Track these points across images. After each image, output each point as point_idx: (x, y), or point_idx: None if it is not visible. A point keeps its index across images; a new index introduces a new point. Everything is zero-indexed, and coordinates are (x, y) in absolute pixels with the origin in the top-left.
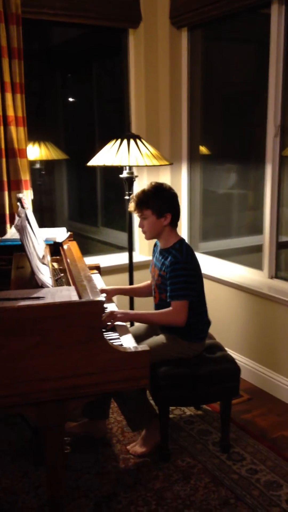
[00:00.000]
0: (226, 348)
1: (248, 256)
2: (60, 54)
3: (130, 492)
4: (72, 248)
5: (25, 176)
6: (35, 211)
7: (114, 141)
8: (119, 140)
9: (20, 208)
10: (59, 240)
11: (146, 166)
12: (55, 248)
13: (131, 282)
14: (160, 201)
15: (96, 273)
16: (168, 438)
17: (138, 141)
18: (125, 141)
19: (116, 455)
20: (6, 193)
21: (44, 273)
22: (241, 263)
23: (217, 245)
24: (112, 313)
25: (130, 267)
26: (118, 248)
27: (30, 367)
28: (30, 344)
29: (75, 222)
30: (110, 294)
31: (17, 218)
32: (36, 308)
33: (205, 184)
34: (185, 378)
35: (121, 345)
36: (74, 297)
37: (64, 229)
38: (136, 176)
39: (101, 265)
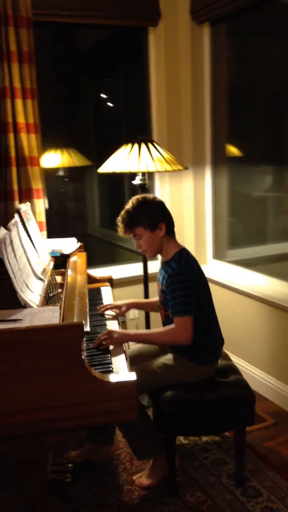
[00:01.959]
0: (251, 367)
1: (280, 264)
2: (87, 58)
3: None
4: (79, 260)
5: (37, 185)
6: (61, 219)
7: (125, 145)
8: (130, 145)
9: (13, 220)
10: (66, 252)
11: (157, 171)
12: (64, 260)
13: (146, 295)
14: (149, 214)
15: (107, 285)
16: (175, 470)
17: (150, 145)
18: (136, 145)
19: (120, 485)
20: (16, 203)
21: (34, 291)
22: (272, 272)
23: (247, 252)
24: (109, 332)
25: (145, 279)
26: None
27: (0, 397)
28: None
29: (107, 229)
30: (124, 309)
31: (2, 231)
32: (3, 333)
33: (235, 187)
34: (191, 404)
35: (111, 369)
36: (54, 319)
37: (74, 239)
38: (147, 183)
39: (115, 277)
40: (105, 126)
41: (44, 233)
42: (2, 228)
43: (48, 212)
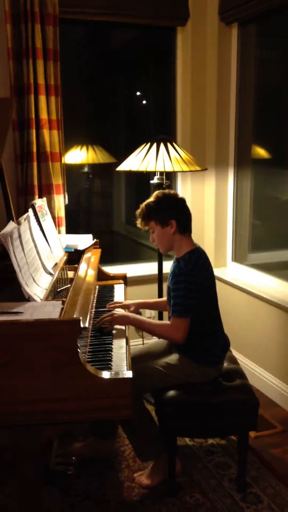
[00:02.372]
0: (265, 373)
1: None
2: (117, 57)
3: None
4: (92, 257)
5: (57, 181)
6: (85, 215)
7: (144, 145)
8: (148, 144)
9: (25, 215)
10: (80, 247)
11: (174, 171)
12: (79, 256)
13: (159, 294)
14: (162, 209)
15: (121, 283)
16: (175, 471)
17: (169, 145)
18: (154, 145)
19: (121, 482)
20: (36, 198)
21: (41, 285)
22: None
23: (270, 256)
24: (112, 313)
25: (160, 278)
26: (170, 257)
27: None
28: None
29: (132, 227)
30: (132, 309)
31: (10, 225)
32: (2, 325)
33: (261, 189)
34: (193, 406)
35: (110, 366)
36: (54, 314)
37: (90, 236)
38: (167, 182)
39: (132, 274)
40: (132, 124)
41: (63, 228)
42: (12, 223)
43: (72, 208)
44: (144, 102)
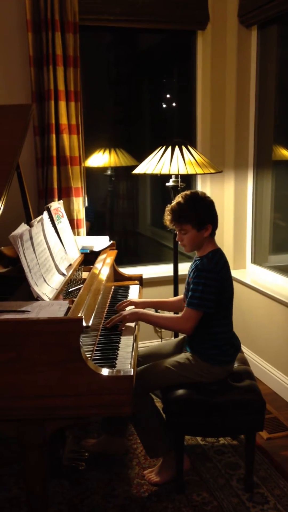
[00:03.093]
0: (283, 376)
1: None
2: (140, 62)
3: None
4: (108, 257)
5: (77, 184)
6: (110, 217)
7: (159, 148)
8: (164, 147)
9: (39, 217)
10: (96, 249)
11: (187, 174)
12: (96, 257)
13: (175, 295)
14: (199, 213)
15: (137, 284)
16: (182, 468)
17: (184, 148)
18: (170, 148)
19: (130, 478)
20: (56, 200)
21: (51, 285)
22: None
23: None
24: (121, 314)
25: (175, 279)
26: (186, 259)
27: (4, 383)
28: (3, 359)
29: (157, 229)
30: (139, 306)
31: (22, 227)
32: (8, 323)
33: (283, 191)
34: (199, 405)
35: (115, 364)
36: (59, 313)
37: (106, 237)
38: (183, 185)
39: (147, 276)
40: (155, 126)
41: (82, 230)
42: (23, 225)
43: (97, 210)
44: (165, 105)
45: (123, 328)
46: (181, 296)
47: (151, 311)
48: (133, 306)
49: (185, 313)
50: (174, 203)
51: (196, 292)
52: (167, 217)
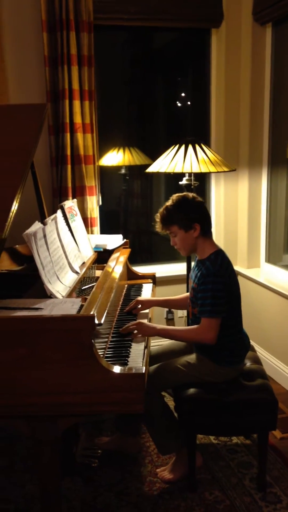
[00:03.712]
0: None
1: None
2: (155, 60)
3: None
4: (121, 256)
5: (90, 182)
6: (124, 216)
7: (172, 146)
8: (177, 146)
9: (52, 216)
10: (110, 247)
11: (200, 172)
12: (109, 256)
13: None
14: (185, 213)
15: (150, 282)
16: (194, 467)
17: (197, 146)
18: (183, 146)
19: (143, 476)
20: (70, 199)
21: (65, 283)
22: None
23: None
24: (139, 323)
25: (188, 278)
26: None
27: (17, 379)
28: (16, 356)
29: None
30: (145, 305)
31: (36, 225)
32: (21, 320)
33: None
34: (211, 404)
35: (127, 362)
36: (72, 310)
37: (120, 236)
38: (196, 184)
39: (160, 274)
40: (170, 125)
41: (96, 228)
42: (37, 223)
43: (111, 209)
44: (179, 103)
45: (135, 335)
46: (186, 294)
47: (167, 326)
48: (140, 306)
49: (203, 324)
50: (162, 208)
51: (207, 300)
52: (157, 224)
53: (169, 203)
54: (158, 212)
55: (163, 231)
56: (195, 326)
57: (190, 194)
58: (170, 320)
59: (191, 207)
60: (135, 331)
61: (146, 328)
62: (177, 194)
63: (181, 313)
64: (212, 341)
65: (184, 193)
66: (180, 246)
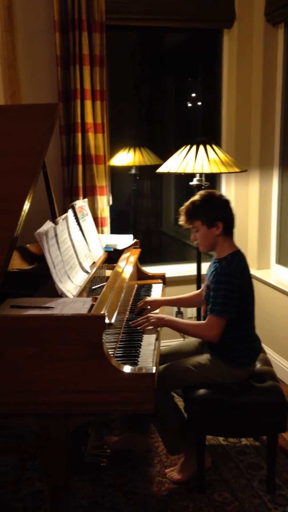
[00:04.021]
0: None
1: None
2: (167, 60)
3: None
4: (131, 256)
5: (101, 182)
6: (133, 216)
7: (183, 147)
8: (188, 146)
9: (64, 215)
10: (120, 247)
11: (211, 173)
12: (119, 256)
13: None
14: (210, 210)
15: (160, 283)
16: (203, 468)
17: (208, 146)
18: (194, 147)
19: (152, 476)
20: (80, 199)
21: (75, 282)
22: None
23: None
24: (147, 316)
25: (198, 278)
26: (209, 259)
27: (28, 377)
28: (28, 354)
29: (180, 228)
30: (154, 306)
31: (47, 224)
32: (33, 319)
33: None
34: (220, 405)
35: (137, 361)
36: (83, 309)
37: (130, 236)
38: (207, 184)
39: (170, 275)
40: (180, 125)
41: (107, 228)
42: (48, 222)
43: (121, 209)
44: (191, 104)
45: (146, 329)
46: (196, 292)
47: (176, 318)
48: (149, 306)
49: (209, 321)
50: (188, 202)
51: (218, 299)
52: (181, 217)
53: (195, 197)
54: (184, 205)
55: (186, 224)
56: (201, 322)
57: (217, 192)
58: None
59: (217, 204)
60: (145, 324)
61: (154, 321)
62: (204, 190)
63: (191, 314)
64: (215, 339)
65: (211, 190)
66: (200, 242)
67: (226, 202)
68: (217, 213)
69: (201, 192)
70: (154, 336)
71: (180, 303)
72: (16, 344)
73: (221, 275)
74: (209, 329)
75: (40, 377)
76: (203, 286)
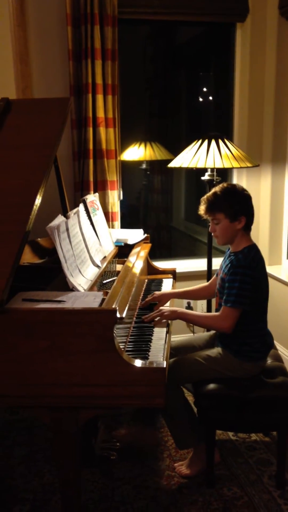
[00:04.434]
0: None
1: None
2: (179, 55)
3: None
4: (142, 251)
5: (112, 177)
6: (143, 211)
7: (195, 141)
8: (200, 141)
9: (75, 209)
10: (130, 242)
11: (223, 168)
12: (130, 250)
13: None
14: (234, 203)
15: (170, 278)
16: (213, 462)
17: (220, 141)
18: (206, 141)
19: (161, 470)
20: (91, 193)
21: (86, 276)
22: None
23: None
24: (160, 309)
25: (209, 273)
26: (219, 254)
27: (39, 370)
28: (39, 347)
29: (191, 223)
30: (163, 300)
31: (59, 218)
32: (44, 312)
33: None
34: (231, 400)
35: (147, 356)
36: (94, 303)
37: (140, 231)
38: (218, 179)
39: (181, 270)
40: (192, 120)
41: (117, 223)
42: (60, 216)
43: (132, 204)
44: (202, 98)
45: (159, 321)
46: (205, 284)
47: (188, 310)
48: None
49: (223, 312)
50: (210, 192)
51: (233, 290)
52: (202, 206)
53: (217, 189)
54: (205, 196)
55: (206, 215)
56: (215, 313)
57: (240, 185)
58: None
59: (241, 198)
60: (157, 318)
61: (168, 313)
62: (226, 183)
63: (200, 309)
64: (228, 330)
65: (233, 183)
66: (220, 234)
67: (249, 197)
68: (241, 207)
69: (223, 185)
70: (164, 330)
71: (188, 296)
72: (28, 338)
73: (237, 267)
74: (222, 320)
75: (51, 370)
76: (212, 278)
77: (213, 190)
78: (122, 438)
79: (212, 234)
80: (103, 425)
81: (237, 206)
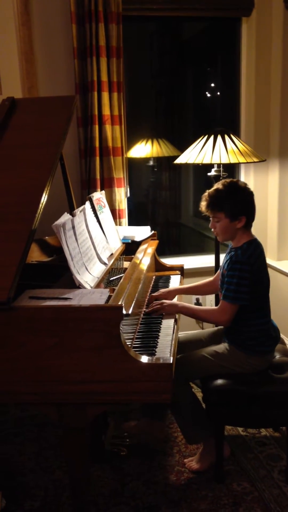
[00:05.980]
0: None
1: None
2: (185, 50)
3: (172, 507)
4: (149, 247)
5: (119, 174)
6: (151, 207)
7: (201, 137)
8: (206, 136)
9: (81, 207)
10: (137, 239)
11: (230, 163)
12: (137, 247)
13: None
14: (235, 203)
15: (178, 274)
16: (222, 457)
17: (226, 136)
18: (212, 137)
19: (171, 466)
20: (98, 191)
21: (93, 273)
22: None
23: None
24: (162, 303)
25: (216, 270)
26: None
27: (47, 367)
28: (47, 344)
29: (200, 220)
30: (170, 297)
31: (65, 216)
32: (51, 309)
33: None
34: (239, 396)
35: (154, 352)
36: (100, 300)
37: (148, 228)
38: (225, 175)
39: (189, 266)
40: (199, 116)
41: (124, 220)
42: (66, 214)
43: (140, 201)
44: (209, 94)
45: (164, 319)
46: (209, 279)
47: (188, 304)
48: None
49: (221, 306)
50: (212, 189)
51: (231, 285)
52: (203, 203)
53: (220, 186)
54: (206, 192)
55: (206, 211)
56: (213, 307)
57: (242, 183)
58: None
59: (243, 197)
60: (159, 310)
61: (168, 305)
62: (229, 180)
63: (210, 305)
64: (226, 324)
65: (236, 179)
66: (220, 232)
67: (251, 195)
68: (242, 207)
69: (225, 181)
70: (172, 326)
71: (193, 291)
72: (35, 335)
73: (235, 262)
74: (220, 314)
75: (58, 367)
76: (217, 273)
77: (214, 187)
78: (130, 430)
79: (212, 230)
80: (112, 421)
81: (237, 205)
